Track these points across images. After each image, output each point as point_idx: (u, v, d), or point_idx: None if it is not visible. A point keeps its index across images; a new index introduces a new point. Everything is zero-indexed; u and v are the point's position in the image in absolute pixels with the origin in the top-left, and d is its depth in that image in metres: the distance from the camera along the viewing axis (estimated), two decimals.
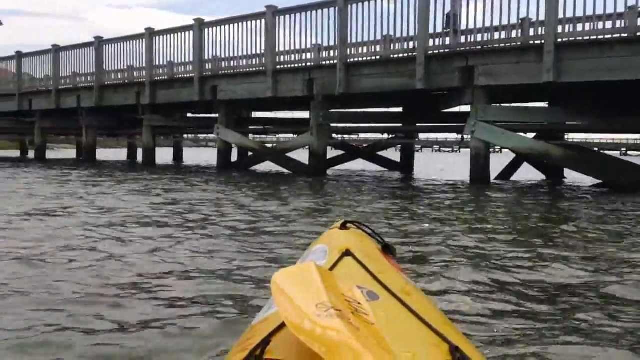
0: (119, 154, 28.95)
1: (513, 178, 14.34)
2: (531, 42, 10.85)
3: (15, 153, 29.44)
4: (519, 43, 10.96)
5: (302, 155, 15.41)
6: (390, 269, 1.39)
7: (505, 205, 8.10)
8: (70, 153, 29.94)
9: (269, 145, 16.74)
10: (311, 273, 0.95)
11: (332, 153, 19.18)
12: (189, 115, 20.59)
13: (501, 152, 19.52)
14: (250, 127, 19.89)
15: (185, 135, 27.95)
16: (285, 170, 15.26)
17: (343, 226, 1.63)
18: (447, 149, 74.94)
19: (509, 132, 11.55)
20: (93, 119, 20.24)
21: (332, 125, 15.07)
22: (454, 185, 12.47)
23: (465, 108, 15.15)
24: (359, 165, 19.33)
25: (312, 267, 0.98)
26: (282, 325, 0.93)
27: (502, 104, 11.99)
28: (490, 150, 12.14)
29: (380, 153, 18.85)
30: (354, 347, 0.74)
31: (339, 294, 0.91)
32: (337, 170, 17.85)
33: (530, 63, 10.88)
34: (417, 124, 16.58)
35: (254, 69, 15.17)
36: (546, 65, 10.56)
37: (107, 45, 18.95)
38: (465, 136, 15.82)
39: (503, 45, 11.20)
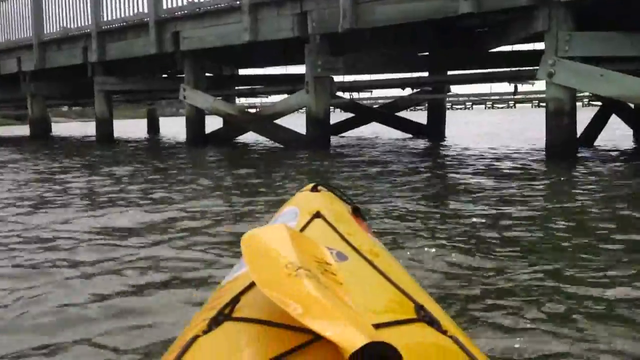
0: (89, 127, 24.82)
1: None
2: None
3: None
4: None
5: (298, 122, 11.33)
6: (359, 231, 1.39)
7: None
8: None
9: (252, 111, 12.62)
10: (281, 234, 0.97)
11: (337, 116, 15.09)
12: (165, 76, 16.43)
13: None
14: (237, 88, 15.79)
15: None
16: (277, 144, 11.17)
17: (314, 188, 1.60)
18: (460, 106, 63.68)
19: (612, 72, 7.36)
20: (38, 85, 16.13)
21: (336, 79, 10.91)
22: (522, 159, 8.38)
23: (519, 47, 11.03)
24: (373, 130, 15.17)
25: (283, 228, 0.99)
26: (252, 285, 0.92)
27: (596, 31, 7.73)
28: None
29: (400, 114, 14.64)
30: (322, 306, 0.74)
31: (308, 255, 0.92)
32: (344, 138, 13.73)
33: None
34: (450, 72, 12.40)
35: (225, 5, 10.97)
36: None
37: None
38: (521, 86, 11.69)
39: None
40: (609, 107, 10.40)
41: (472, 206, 4.31)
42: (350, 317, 0.73)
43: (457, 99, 53.50)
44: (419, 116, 15.27)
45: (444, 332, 0.89)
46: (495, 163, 7.76)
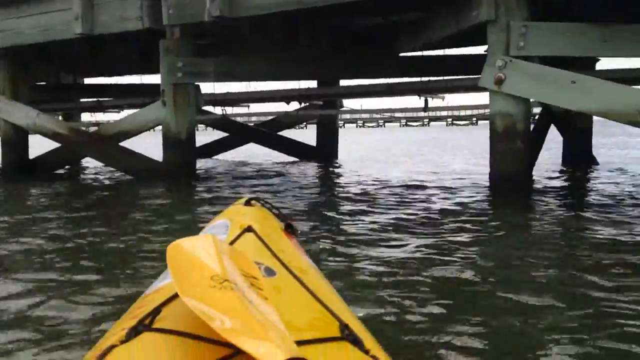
0: None
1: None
2: None
3: None
4: None
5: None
6: (290, 247, 1.38)
7: None
8: None
9: (92, 129, 9.73)
10: (208, 245, 0.95)
11: (205, 136, 12.49)
12: None
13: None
14: (82, 101, 12.71)
15: None
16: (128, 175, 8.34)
17: (247, 203, 1.57)
18: (372, 124, 56.74)
19: (591, 78, 5.41)
20: None
21: (204, 89, 8.39)
22: (455, 200, 6.23)
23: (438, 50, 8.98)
24: (250, 153, 12.64)
25: (210, 240, 0.98)
26: (175, 296, 0.91)
27: (560, 22, 5.71)
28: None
29: (283, 133, 12.20)
30: (245, 320, 0.74)
31: (235, 268, 0.91)
32: (214, 163, 11.11)
33: None
34: (345, 83, 10.23)
35: None
36: None
37: None
38: (432, 100, 9.64)
39: None
40: (547, 118, 8.59)
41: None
42: (272, 333, 0.73)
43: (355, 115, 47.22)
44: (305, 135, 12.95)
45: (367, 352, 0.89)
46: (407, 204, 5.50)
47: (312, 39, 8.52)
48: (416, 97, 9.60)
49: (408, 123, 52.36)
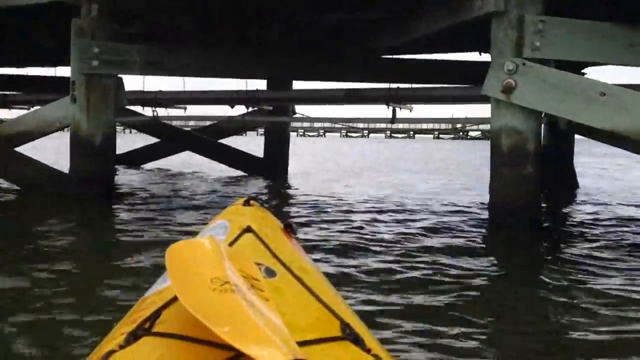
0: None
1: None
2: None
3: None
4: None
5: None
6: (290, 247, 1.34)
7: None
8: None
9: None
10: (208, 247, 0.95)
11: (129, 141, 10.90)
12: None
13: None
14: None
15: None
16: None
17: (246, 203, 1.51)
18: (313, 133, 55.20)
19: (625, 90, 4.28)
20: None
21: (131, 86, 6.87)
22: (435, 233, 5.00)
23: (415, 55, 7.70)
24: (186, 163, 11.13)
25: (209, 242, 0.98)
26: (175, 299, 0.89)
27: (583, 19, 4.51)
28: None
29: (225, 141, 10.69)
30: (246, 322, 0.74)
31: (235, 270, 0.90)
32: (140, 175, 9.58)
33: None
34: (303, 87, 8.98)
35: None
36: None
37: None
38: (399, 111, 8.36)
39: None
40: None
41: None
42: (274, 335, 0.73)
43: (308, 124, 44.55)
44: (242, 143, 11.51)
45: (368, 351, 0.90)
46: (386, 243, 4.22)
47: (261, 31, 7.11)
48: (369, 106, 8.37)
49: (348, 134, 51.99)
